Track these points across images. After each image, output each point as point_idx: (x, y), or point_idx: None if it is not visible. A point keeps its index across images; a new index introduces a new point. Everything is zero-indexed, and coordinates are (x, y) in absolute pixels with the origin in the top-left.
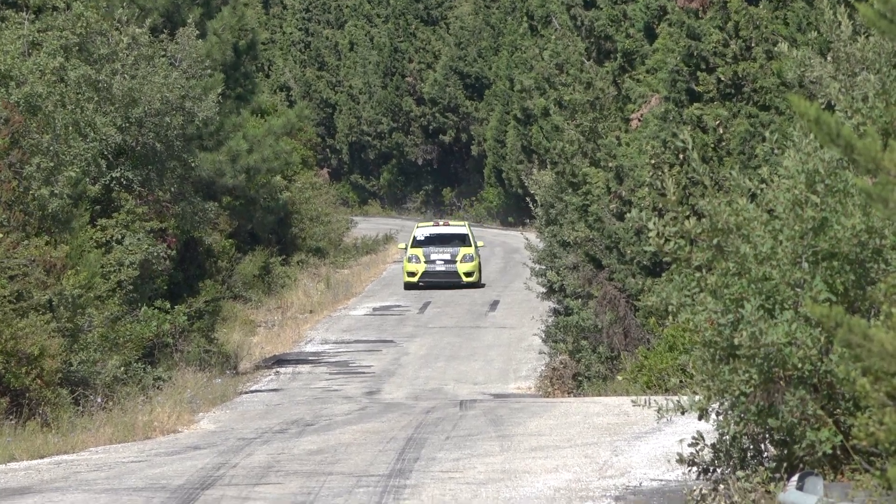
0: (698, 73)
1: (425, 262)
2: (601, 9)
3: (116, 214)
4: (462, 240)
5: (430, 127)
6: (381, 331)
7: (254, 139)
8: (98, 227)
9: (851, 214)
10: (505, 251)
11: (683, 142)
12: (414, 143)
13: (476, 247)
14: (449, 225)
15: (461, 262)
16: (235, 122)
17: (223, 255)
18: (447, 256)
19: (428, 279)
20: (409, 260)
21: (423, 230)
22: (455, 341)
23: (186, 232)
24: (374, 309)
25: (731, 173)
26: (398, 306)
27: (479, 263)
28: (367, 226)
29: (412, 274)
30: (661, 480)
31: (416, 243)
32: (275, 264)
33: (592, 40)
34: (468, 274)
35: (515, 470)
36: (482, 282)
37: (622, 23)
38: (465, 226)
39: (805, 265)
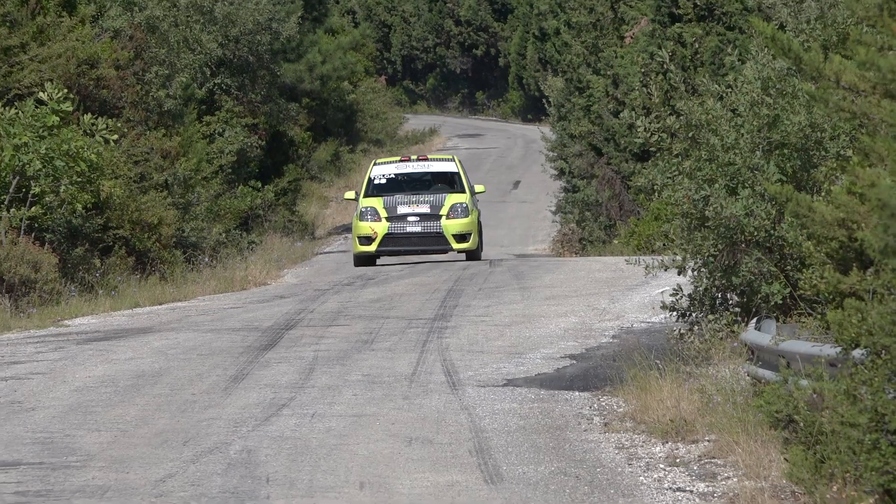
0: (678, 0)
1: (388, 220)
2: None
3: (218, 112)
4: (450, 182)
5: (466, 43)
6: None
7: (326, 53)
8: (204, 123)
9: (798, 112)
10: (525, 141)
11: (662, 57)
12: (453, 55)
13: (473, 193)
14: (427, 160)
15: (448, 217)
16: (312, 39)
17: (302, 144)
18: (425, 209)
19: (393, 247)
20: (362, 216)
21: (385, 168)
22: (485, 211)
23: (273, 126)
24: None
25: (703, 80)
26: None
27: (479, 221)
28: (416, 121)
29: (366, 239)
30: (648, 322)
31: (374, 189)
32: (343, 152)
33: None
34: (460, 237)
35: (533, 314)
36: (481, 251)
37: None
38: (453, 160)
39: (761, 153)
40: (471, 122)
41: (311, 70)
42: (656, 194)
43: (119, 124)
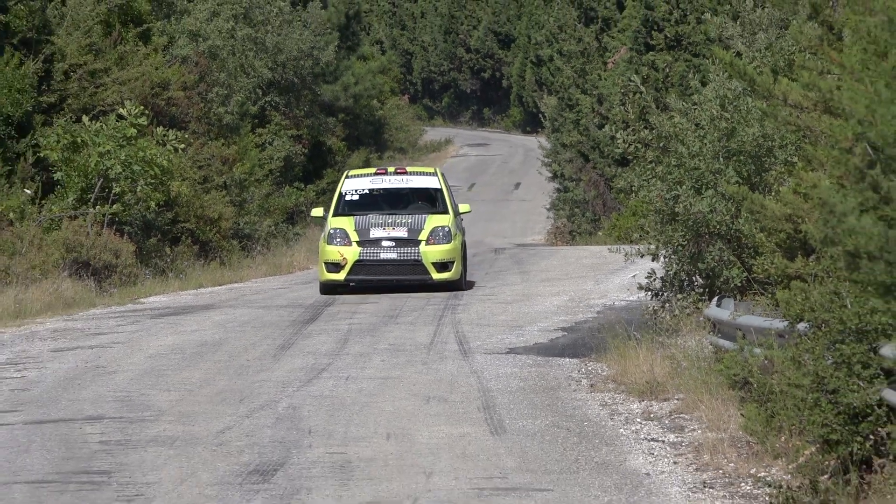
0: (652, 32)
1: (359, 245)
2: None
3: (268, 125)
4: (431, 200)
5: (475, 68)
6: None
7: (358, 76)
8: (256, 134)
9: (752, 125)
10: (525, 150)
11: (634, 81)
12: (464, 78)
13: (457, 214)
14: (407, 173)
15: (428, 243)
16: (346, 64)
17: (339, 152)
18: (401, 233)
19: (364, 276)
20: (330, 239)
21: (358, 182)
22: (491, 208)
23: (314, 137)
24: None
25: (672, 99)
26: (454, 186)
27: (463, 245)
28: (434, 133)
29: (334, 266)
30: (627, 301)
31: (345, 206)
32: (373, 159)
33: (582, 10)
34: (441, 265)
35: (531, 294)
36: (465, 280)
37: None
38: (435, 174)
39: (721, 159)
40: (479, 133)
41: (345, 90)
42: (634, 194)
43: (186, 135)
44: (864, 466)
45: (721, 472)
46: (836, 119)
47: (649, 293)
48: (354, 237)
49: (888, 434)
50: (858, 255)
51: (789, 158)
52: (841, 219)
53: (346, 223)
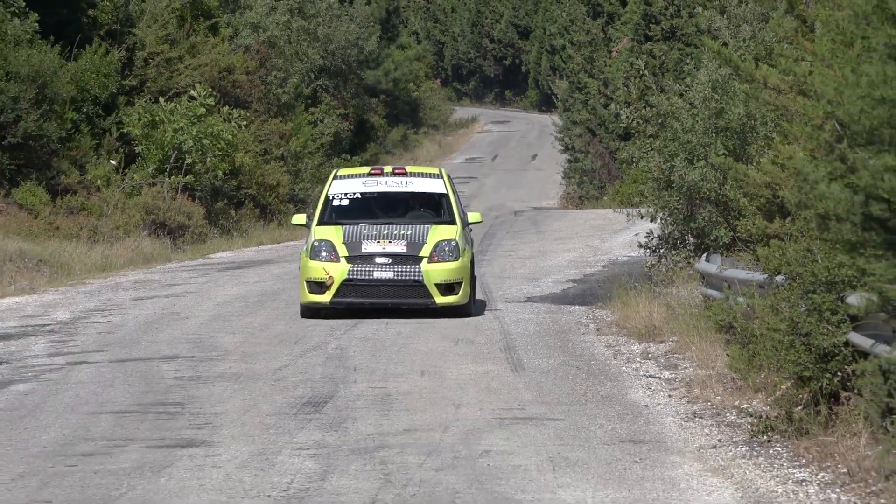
0: (650, 25)
1: (348, 261)
2: None
3: (319, 105)
4: (435, 207)
5: (498, 55)
6: (470, 171)
7: (397, 62)
8: (309, 113)
9: (737, 105)
10: (540, 126)
11: (637, 66)
12: (489, 64)
13: (466, 224)
14: (406, 174)
15: (431, 260)
16: (387, 52)
17: (380, 128)
18: (399, 248)
19: (354, 298)
20: (314, 254)
21: (348, 184)
22: (512, 177)
23: (359, 115)
24: (466, 159)
25: (668, 82)
26: (479, 157)
27: (472, 263)
28: (462, 112)
29: (318, 285)
30: (629, 256)
31: (333, 213)
32: (409, 134)
33: (590, 5)
34: (446, 287)
35: (546, 250)
36: (473, 303)
37: None
38: (440, 176)
39: (711, 134)
40: (501, 112)
41: (386, 75)
42: (635, 164)
43: (248, 114)
44: (833, 399)
45: (709, 404)
46: (809, 100)
47: (648, 250)
48: (343, 251)
49: (853, 371)
50: (828, 217)
51: (769, 134)
52: (813, 186)
53: (334, 234)
